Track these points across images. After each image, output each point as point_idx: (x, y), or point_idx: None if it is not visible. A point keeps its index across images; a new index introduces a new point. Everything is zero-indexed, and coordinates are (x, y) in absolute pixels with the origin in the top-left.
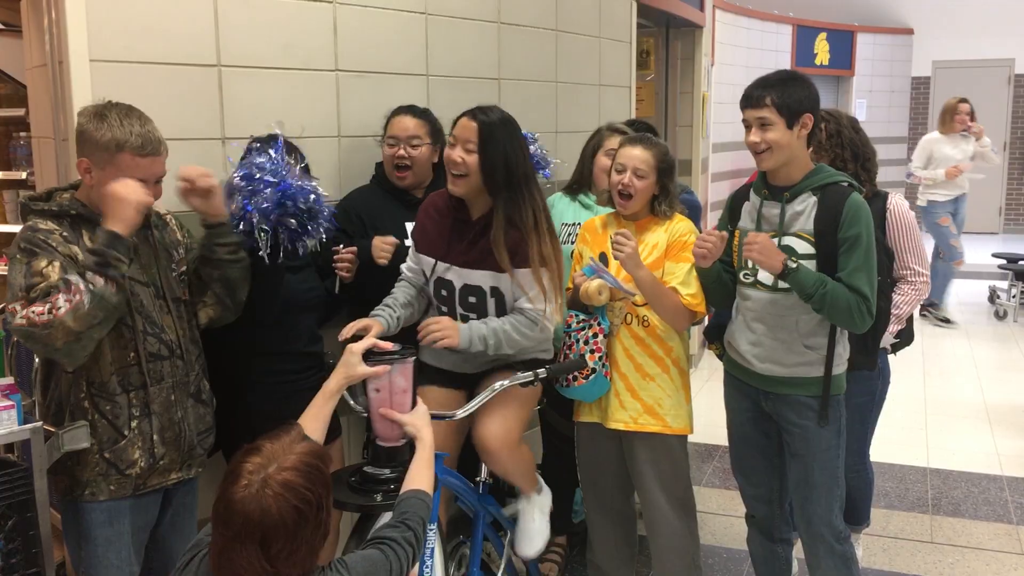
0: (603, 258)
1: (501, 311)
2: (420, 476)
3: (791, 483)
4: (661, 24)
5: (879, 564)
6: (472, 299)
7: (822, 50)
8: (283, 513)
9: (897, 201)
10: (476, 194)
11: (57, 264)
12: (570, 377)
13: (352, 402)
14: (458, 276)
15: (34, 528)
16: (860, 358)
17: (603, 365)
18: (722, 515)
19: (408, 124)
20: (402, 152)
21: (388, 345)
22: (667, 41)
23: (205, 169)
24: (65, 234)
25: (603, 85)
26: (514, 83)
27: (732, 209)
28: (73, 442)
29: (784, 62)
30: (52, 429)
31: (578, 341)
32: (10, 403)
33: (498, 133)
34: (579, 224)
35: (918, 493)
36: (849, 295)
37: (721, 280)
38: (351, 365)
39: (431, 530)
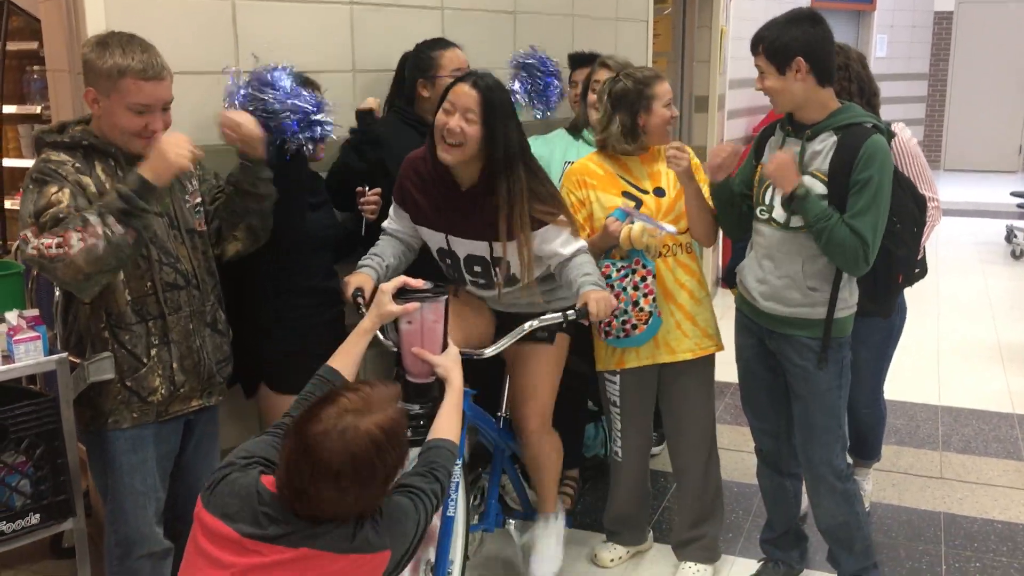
0: (629, 197)
1: (508, 280)
2: (448, 423)
3: (794, 422)
4: None
5: (889, 499)
6: (477, 268)
7: None
8: (366, 443)
9: (902, 134)
10: (467, 163)
11: (67, 191)
12: (628, 327)
13: (383, 338)
14: (460, 246)
15: (62, 457)
16: (870, 305)
17: (655, 306)
18: (733, 450)
19: (464, 57)
20: None
21: (419, 283)
22: None
23: (243, 114)
24: (78, 165)
25: (620, 19)
26: (530, 16)
27: (759, 144)
28: (98, 373)
29: None
30: (76, 360)
31: (625, 289)
32: (35, 334)
33: (500, 104)
34: None
35: (928, 430)
36: (849, 237)
37: (732, 201)
38: (382, 304)
39: (456, 465)
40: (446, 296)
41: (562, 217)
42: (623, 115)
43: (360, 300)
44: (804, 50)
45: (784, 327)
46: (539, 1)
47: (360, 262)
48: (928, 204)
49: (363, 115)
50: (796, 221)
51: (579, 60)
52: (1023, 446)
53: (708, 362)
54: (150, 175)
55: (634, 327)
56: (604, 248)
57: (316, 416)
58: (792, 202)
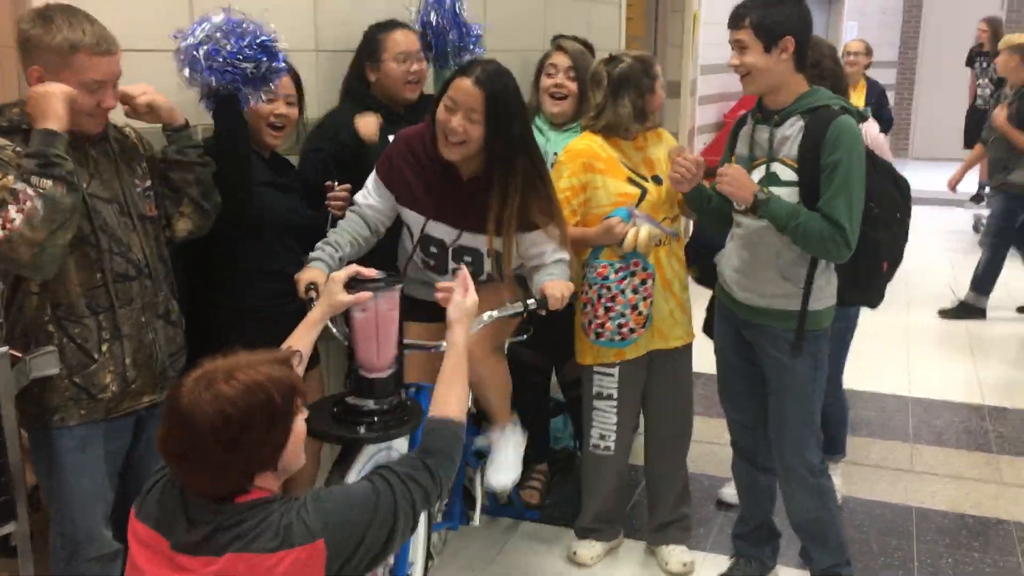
0: (634, 183)
1: (498, 271)
2: (450, 394)
3: (769, 415)
4: None
5: (860, 493)
6: (467, 259)
7: None
8: (198, 414)
9: (868, 127)
10: (470, 159)
11: (12, 177)
12: (625, 331)
13: (335, 330)
14: (450, 235)
15: (2, 456)
16: (853, 293)
17: (650, 310)
18: (704, 442)
19: (412, 38)
20: (416, 67)
21: (372, 272)
22: None
23: (142, 86)
24: (18, 149)
25: (593, 2)
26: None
27: (733, 134)
28: (41, 368)
29: None
30: (19, 355)
31: (624, 291)
32: None
33: (505, 101)
34: None
35: (899, 422)
36: (823, 225)
37: (708, 204)
38: (333, 293)
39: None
40: (400, 285)
41: (552, 228)
42: (633, 96)
43: (313, 295)
44: (794, 29)
45: (759, 317)
46: None
47: (311, 254)
48: None
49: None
50: None
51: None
52: (993, 438)
53: (689, 350)
54: (48, 123)
55: (631, 331)
56: (599, 244)
57: (181, 380)
58: (756, 210)
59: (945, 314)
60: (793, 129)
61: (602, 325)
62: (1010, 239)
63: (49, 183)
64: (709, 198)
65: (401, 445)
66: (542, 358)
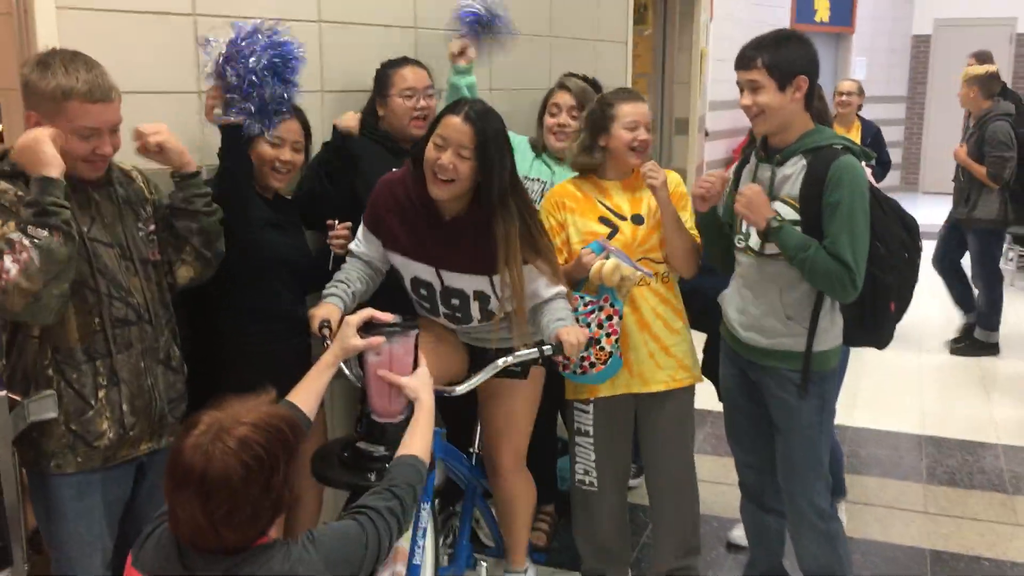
0: (605, 222)
1: (485, 314)
2: (415, 441)
3: (776, 457)
4: None
5: (873, 535)
6: (455, 301)
7: (822, 6)
8: (228, 467)
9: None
10: (454, 200)
11: (12, 224)
12: (586, 365)
13: (348, 373)
14: (436, 278)
15: None
16: (858, 334)
17: (618, 347)
18: (713, 483)
19: (420, 74)
20: (423, 103)
21: (387, 317)
22: None
23: (158, 125)
24: (20, 194)
25: (599, 40)
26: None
27: (736, 172)
28: (40, 412)
29: (784, 18)
30: (17, 398)
31: (589, 325)
32: None
33: (494, 138)
34: (540, 180)
35: (912, 461)
36: (832, 264)
37: (720, 232)
38: (346, 337)
39: (424, 509)
40: (416, 330)
41: (541, 263)
42: (585, 133)
43: (327, 332)
44: (806, 68)
45: (763, 358)
46: (517, 22)
47: (325, 291)
48: None
49: (342, 136)
50: (771, 248)
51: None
52: (1008, 478)
53: (686, 394)
54: (43, 170)
55: (592, 365)
56: (576, 278)
57: (181, 434)
58: (767, 237)
59: (957, 349)
60: (795, 168)
61: (567, 357)
62: (997, 271)
63: (45, 233)
64: (721, 227)
65: None
66: (549, 399)
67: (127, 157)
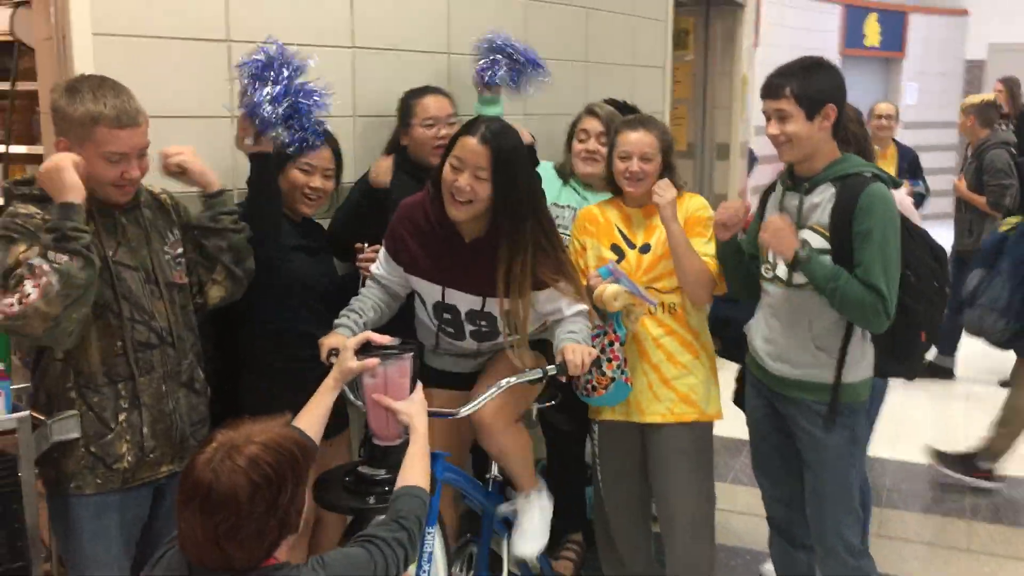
0: (616, 249)
1: (479, 336)
2: (414, 471)
3: (805, 492)
4: (701, 3)
5: (914, 572)
6: (483, 323)
7: (872, 31)
8: (235, 484)
9: (900, 196)
10: (474, 221)
11: (35, 248)
12: (589, 387)
13: (351, 397)
14: (462, 301)
15: (20, 520)
16: (891, 365)
17: (622, 372)
18: (748, 515)
19: (442, 103)
20: (444, 132)
21: (385, 339)
22: (707, 21)
23: (181, 147)
24: (47, 217)
25: (636, 65)
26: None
27: (762, 200)
28: (62, 432)
29: (832, 44)
30: (42, 418)
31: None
32: None
33: (512, 159)
34: (570, 206)
35: (955, 498)
36: (864, 292)
37: (739, 260)
38: (343, 360)
39: (429, 533)
40: (412, 353)
41: (563, 284)
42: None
43: (335, 360)
44: (834, 97)
45: (792, 390)
46: (551, 47)
47: (336, 320)
48: None
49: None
50: (799, 278)
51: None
52: None
53: (690, 430)
54: (64, 196)
55: (593, 388)
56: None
57: (195, 452)
58: (795, 268)
59: (1006, 382)
60: (824, 196)
61: (576, 377)
62: None
63: (65, 258)
64: (742, 255)
65: None
66: (573, 422)
67: (156, 180)
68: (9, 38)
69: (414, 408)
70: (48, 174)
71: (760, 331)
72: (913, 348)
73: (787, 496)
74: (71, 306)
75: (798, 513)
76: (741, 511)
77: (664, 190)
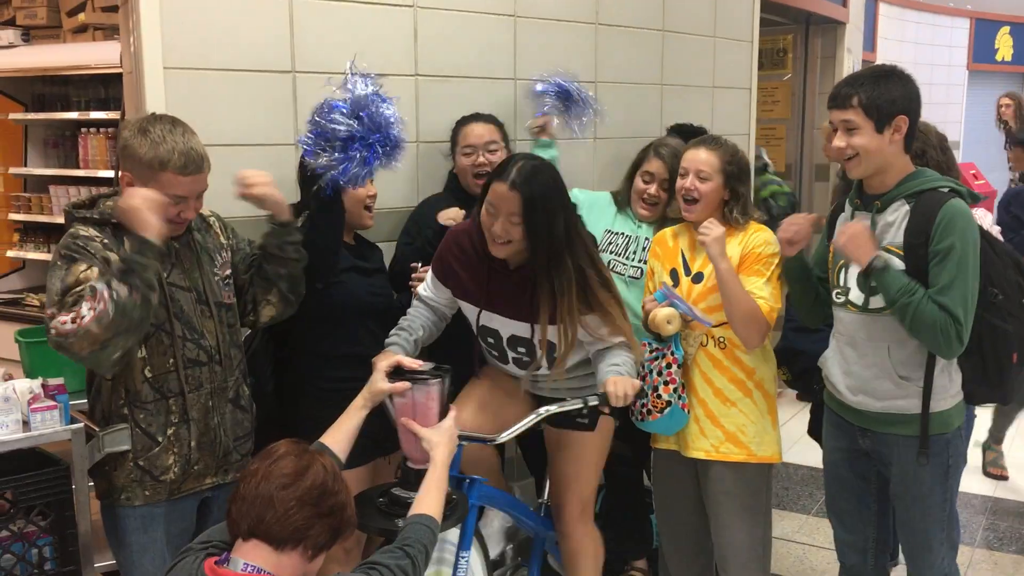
0: (673, 274)
1: (551, 360)
2: (427, 500)
3: (896, 523)
4: (800, 21)
5: None
6: (522, 349)
7: (1004, 45)
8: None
9: (980, 216)
10: (519, 252)
11: (96, 269)
12: (644, 411)
13: (391, 416)
14: (503, 326)
15: (72, 527)
16: (981, 390)
17: (679, 397)
18: (831, 549)
19: (481, 131)
20: (482, 159)
21: (416, 364)
22: (806, 39)
23: (263, 175)
24: (106, 241)
25: (717, 87)
26: (612, 86)
27: (830, 222)
28: (113, 444)
29: (960, 58)
30: (94, 427)
31: (651, 372)
32: (53, 404)
33: (544, 203)
34: (624, 234)
35: (974, 526)
36: (938, 313)
37: (807, 279)
38: (374, 381)
39: (464, 557)
40: (440, 379)
41: (605, 313)
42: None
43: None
44: (906, 108)
45: (877, 424)
46: (623, 70)
47: (388, 339)
48: None
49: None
50: (876, 302)
51: (683, 134)
52: None
53: (745, 473)
54: (140, 232)
55: (648, 412)
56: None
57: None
58: (869, 276)
59: None
60: (898, 214)
61: (634, 401)
62: None
63: (125, 291)
64: (810, 273)
65: (452, 535)
66: (633, 449)
67: (219, 200)
68: (120, 70)
69: (436, 436)
70: (128, 213)
71: (836, 362)
72: (1006, 371)
73: (860, 542)
74: (122, 334)
75: (872, 561)
76: (822, 545)
77: (709, 228)
